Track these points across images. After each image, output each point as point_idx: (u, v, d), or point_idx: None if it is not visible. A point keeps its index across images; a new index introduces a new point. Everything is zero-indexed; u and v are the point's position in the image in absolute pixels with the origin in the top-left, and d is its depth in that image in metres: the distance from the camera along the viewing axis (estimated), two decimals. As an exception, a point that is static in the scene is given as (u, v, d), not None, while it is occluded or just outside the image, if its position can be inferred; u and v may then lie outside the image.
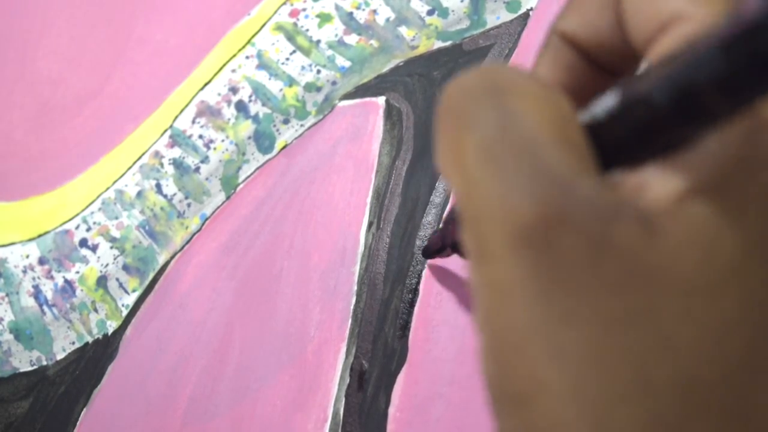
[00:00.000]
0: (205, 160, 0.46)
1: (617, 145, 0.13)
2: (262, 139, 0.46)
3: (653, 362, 0.11)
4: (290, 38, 0.46)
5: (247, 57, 0.47)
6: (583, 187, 0.11)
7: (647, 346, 0.11)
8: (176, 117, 0.48)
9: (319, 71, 0.45)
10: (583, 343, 0.11)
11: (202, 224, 0.46)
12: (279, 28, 0.47)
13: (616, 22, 0.14)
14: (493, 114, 0.12)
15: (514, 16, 0.42)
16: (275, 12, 0.47)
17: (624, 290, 0.11)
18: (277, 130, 0.45)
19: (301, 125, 0.45)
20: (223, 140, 0.46)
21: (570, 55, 0.16)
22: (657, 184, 0.12)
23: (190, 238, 0.46)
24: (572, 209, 0.11)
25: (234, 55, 0.47)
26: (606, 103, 0.13)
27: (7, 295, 0.49)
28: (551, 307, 0.11)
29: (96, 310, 0.47)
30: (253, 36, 0.47)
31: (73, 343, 0.47)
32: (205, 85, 0.47)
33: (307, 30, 0.46)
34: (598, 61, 0.16)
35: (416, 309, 0.38)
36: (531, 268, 0.11)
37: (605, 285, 0.11)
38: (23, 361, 0.48)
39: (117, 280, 0.47)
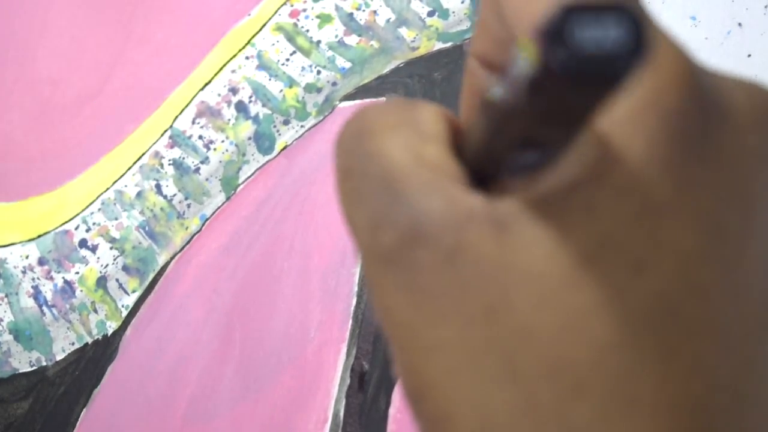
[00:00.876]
0: (205, 160, 0.46)
1: (480, 154, 0.14)
2: (263, 140, 0.46)
3: (516, 350, 0.12)
4: (290, 39, 0.46)
5: (247, 57, 0.47)
6: (436, 203, 0.13)
7: (509, 336, 0.12)
8: (176, 117, 0.48)
9: (319, 72, 0.45)
10: (451, 340, 0.12)
11: (202, 225, 0.46)
12: (279, 28, 0.47)
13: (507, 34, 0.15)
14: (359, 159, 0.14)
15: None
16: (275, 12, 0.47)
17: (480, 288, 0.12)
18: (278, 130, 0.45)
19: (302, 126, 0.45)
20: (223, 141, 0.46)
21: (485, 77, 0.16)
22: (511, 192, 0.13)
23: (190, 239, 0.46)
24: (424, 226, 0.13)
25: (234, 56, 0.47)
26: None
27: (6, 295, 0.49)
28: (420, 312, 0.13)
29: (96, 311, 0.47)
30: (253, 36, 0.47)
31: (73, 343, 0.47)
32: (205, 85, 0.47)
33: (308, 31, 0.46)
34: None
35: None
36: (399, 285, 0.13)
37: (463, 286, 0.12)
38: (23, 361, 0.48)
39: (117, 280, 0.47)
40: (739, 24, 0.39)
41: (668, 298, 0.12)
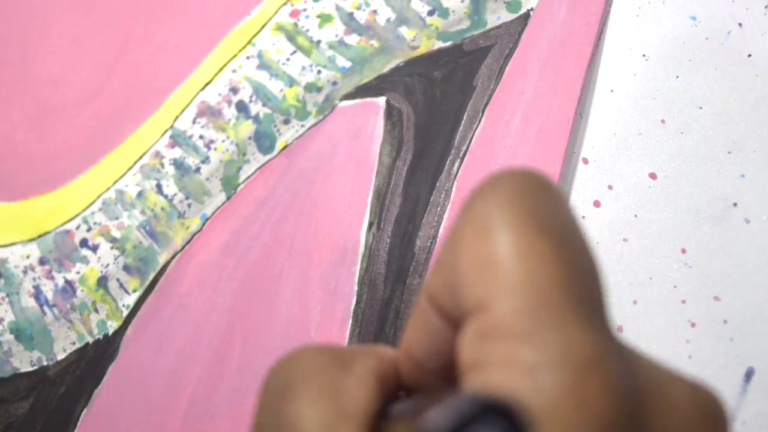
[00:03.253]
0: (205, 160, 0.46)
1: None
2: (263, 140, 0.46)
3: None
4: (291, 38, 0.46)
5: (248, 57, 0.47)
6: None
7: None
8: (177, 117, 0.48)
9: (319, 71, 0.45)
10: None
11: (203, 224, 0.46)
12: (279, 28, 0.47)
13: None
14: (274, 419, 0.14)
15: (515, 16, 0.42)
16: (276, 12, 0.47)
17: None
18: (278, 130, 0.45)
19: (302, 125, 0.45)
20: (223, 140, 0.46)
21: (434, 318, 0.17)
22: None
23: (191, 239, 0.46)
24: None
25: (234, 56, 0.47)
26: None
27: (7, 295, 0.49)
28: None
29: (96, 311, 0.47)
30: (253, 36, 0.47)
31: (74, 343, 0.47)
32: (206, 85, 0.47)
33: (308, 30, 0.46)
34: (459, 323, 0.16)
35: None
36: None
37: None
38: (24, 361, 0.48)
39: (117, 280, 0.47)
40: (739, 24, 0.39)
41: None
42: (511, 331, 0.13)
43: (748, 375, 0.36)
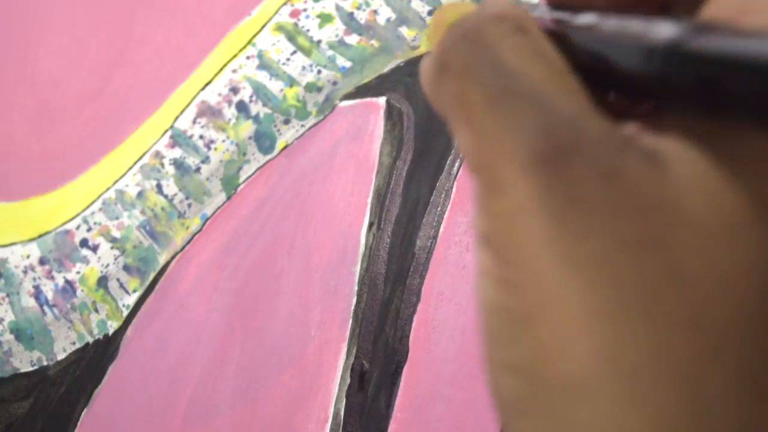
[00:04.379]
0: (205, 160, 0.46)
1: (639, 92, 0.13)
2: (263, 140, 0.46)
3: (664, 289, 0.11)
4: (291, 38, 0.46)
5: (248, 57, 0.47)
6: (591, 125, 0.12)
7: (658, 272, 0.11)
8: (177, 117, 0.48)
9: (319, 71, 0.45)
10: (596, 256, 0.11)
11: (203, 224, 0.46)
12: (280, 28, 0.47)
13: None
14: (496, 74, 0.13)
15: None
16: (276, 12, 0.47)
17: (636, 216, 0.11)
18: (278, 130, 0.45)
19: (302, 125, 0.45)
20: (223, 140, 0.46)
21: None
22: (662, 131, 0.12)
23: (191, 239, 0.46)
24: (582, 142, 0.12)
25: (235, 56, 0.47)
26: (660, 34, 0.12)
27: (7, 295, 0.49)
28: (566, 223, 0.12)
29: (97, 311, 0.47)
30: (253, 36, 0.47)
31: (74, 343, 0.47)
32: (206, 85, 0.47)
33: (308, 30, 0.46)
34: None
35: (417, 309, 0.38)
36: (546, 190, 0.12)
37: (618, 209, 0.11)
38: (24, 361, 0.48)
39: (118, 280, 0.47)
40: (740, 23, 0.39)
41: None
42: None
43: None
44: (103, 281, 0.47)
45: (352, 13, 0.45)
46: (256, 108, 0.46)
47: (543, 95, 0.13)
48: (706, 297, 0.11)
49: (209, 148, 0.46)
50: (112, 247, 0.47)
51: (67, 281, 0.48)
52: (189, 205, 0.46)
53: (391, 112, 0.43)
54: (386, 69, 0.44)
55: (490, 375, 0.13)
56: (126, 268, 0.47)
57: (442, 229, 0.39)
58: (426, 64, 0.15)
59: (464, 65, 0.14)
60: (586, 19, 0.14)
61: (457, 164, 0.41)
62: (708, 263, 0.11)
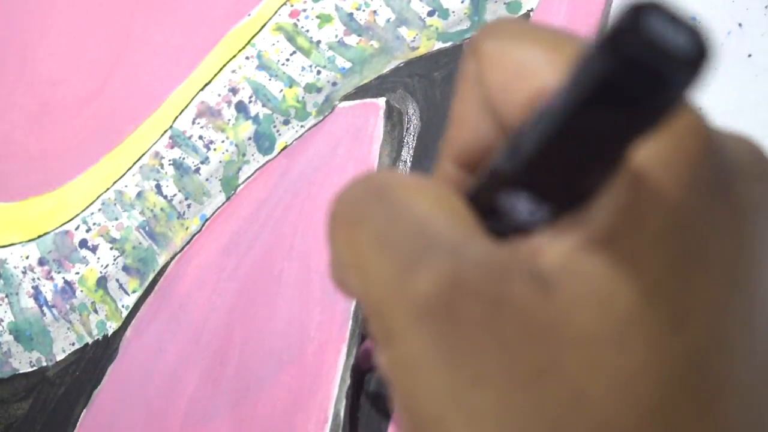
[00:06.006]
0: (205, 160, 0.46)
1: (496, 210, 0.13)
2: (263, 140, 0.46)
3: (567, 416, 0.11)
4: (290, 39, 0.46)
5: (247, 58, 0.47)
6: (474, 251, 0.12)
7: (559, 401, 0.11)
8: (176, 118, 0.48)
9: (319, 72, 0.45)
10: (494, 404, 0.11)
11: (203, 225, 0.46)
12: (279, 28, 0.47)
13: (494, 122, 0.14)
14: (381, 207, 0.13)
15: (515, 16, 0.42)
16: (275, 13, 0.47)
17: (526, 346, 0.11)
18: (278, 131, 0.45)
19: (302, 126, 0.45)
20: (223, 141, 0.46)
21: (461, 177, 0.16)
22: (548, 243, 0.12)
23: (191, 239, 0.46)
24: (465, 273, 0.11)
25: (234, 56, 0.47)
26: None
27: (6, 296, 0.49)
28: (459, 372, 0.11)
29: (96, 311, 0.47)
30: (253, 37, 0.47)
31: (73, 344, 0.47)
32: (205, 85, 0.47)
33: (308, 31, 0.46)
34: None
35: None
36: (436, 337, 0.12)
37: (507, 344, 0.11)
38: (23, 362, 0.48)
39: (117, 281, 0.47)
40: (739, 24, 0.39)
41: (701, 356, 0.12)
42: None
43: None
44: (102, 282, 0.47)
45: (351, 14, 0.45)
46: (255, 108, 0.46)
47: (428, 225, 0.12)
48: (608, 410, 0.11)
49: (209, 149, 0.46)
50: (111, 248, 0.47)
51: (66, 282, 0.48)
52: (188, 206, 0.46)
53: (390, 112, 0.43)
54: (386, 70, 0.44)
55: None
56: (125, 268, 0.47)
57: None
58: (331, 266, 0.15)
59: (352, 207, 0.13)
60: None
61: (456, 165, 0.41)
62: (605, 378, 0.11)
